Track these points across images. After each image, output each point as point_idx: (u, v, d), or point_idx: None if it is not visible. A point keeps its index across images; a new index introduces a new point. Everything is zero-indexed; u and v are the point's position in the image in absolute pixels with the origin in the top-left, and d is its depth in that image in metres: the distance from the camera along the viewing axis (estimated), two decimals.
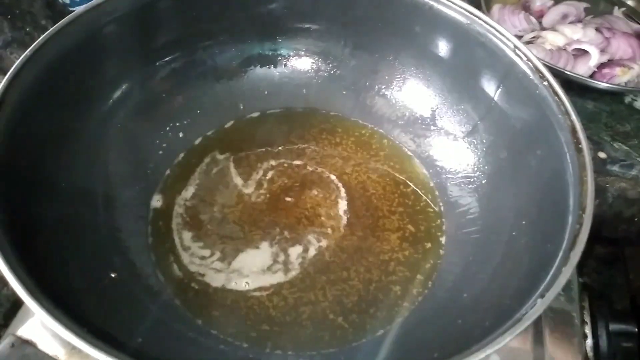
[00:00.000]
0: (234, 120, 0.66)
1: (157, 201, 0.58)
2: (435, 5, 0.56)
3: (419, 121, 0.65)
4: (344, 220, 0.58)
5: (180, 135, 0.63)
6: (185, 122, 0.63)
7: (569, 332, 0.49)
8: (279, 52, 0.67)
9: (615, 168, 0.67)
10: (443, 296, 0.52)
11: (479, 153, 0.60)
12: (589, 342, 0.49)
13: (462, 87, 0.61)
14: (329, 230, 0.57)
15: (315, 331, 0.50)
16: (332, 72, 0.67)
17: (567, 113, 0.48)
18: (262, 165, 0.62)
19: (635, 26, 0.87)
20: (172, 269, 0.53)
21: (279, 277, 0.54)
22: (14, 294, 0.37)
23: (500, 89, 0.56)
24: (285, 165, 0.62)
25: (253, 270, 0.54)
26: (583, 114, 0.72)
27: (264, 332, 0.50)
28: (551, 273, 0.40)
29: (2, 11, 0.60)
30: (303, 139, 0.65)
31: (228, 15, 0.61)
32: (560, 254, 0.41)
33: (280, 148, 0.64)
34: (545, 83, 0.50)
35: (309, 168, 0.62)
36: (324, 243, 0.56)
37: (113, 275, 0.49)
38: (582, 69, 0.77)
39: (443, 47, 0.59)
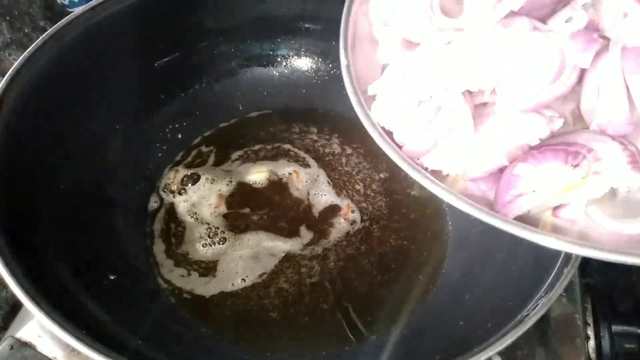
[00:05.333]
0: (232, 121, 0.66)
1: (154, 202, 0.58)
2: None
3: None
4: (344, 220, 0.58)
5: (179, 136, 0.63)
6: (184, 123, 0.63)
7: (571, 333, 0.49)
8: (278, 52, 0.67)
9: None
10: (445, 298, 0.52)
11: None
12: (592, 343, 0.49)
13: None
14: (329, 232, 0.57)
15: (316, 333, 0.50)
16: (332, 72, 0.67)
17: None
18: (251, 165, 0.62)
19: None
20: (163, 276, 0.53)
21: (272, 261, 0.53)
22: (13, 296, 0.37)
23: None
24: (283, 165, 0.62)
25: (239, 270, 0.53)
26: None
27: (263, 334, 0.50)
28: (553, 274, 0.40)
29: (0, 12, 0.60)
30: (302, 138, 0.65)
31: (227, 16, 0.61)
32: (563, 254, 0.41)
33: (276, 147, 0.63)
34: None
35: (308, 167, 0.62)
36: (324, 244, 0.56)
37: (112, 277, 0.49)
38: None
39: None
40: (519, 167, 0.33)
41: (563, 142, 0.33)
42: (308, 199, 0.59)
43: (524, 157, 0.34)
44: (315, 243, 0.56)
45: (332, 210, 0.58)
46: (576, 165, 0.31)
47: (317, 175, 0.61)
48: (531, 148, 0.34)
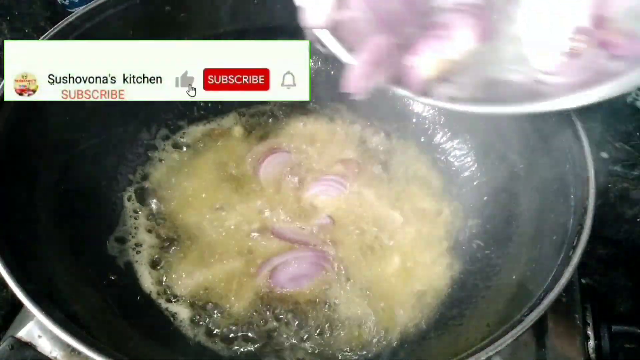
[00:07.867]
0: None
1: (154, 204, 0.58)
2: None
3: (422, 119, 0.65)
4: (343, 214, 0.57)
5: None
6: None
7: (571, 333, 0.49)
8: None
9: (617, 168, 0.66)
10: (445, 298, 0.52)
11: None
12: (591, 343, 0.49)
13: None
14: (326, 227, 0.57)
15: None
16: (332, 72, 0.67)
17: (568, 113, 0.48)
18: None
19: None
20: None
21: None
22: (13, 296, 0.36)
23: None
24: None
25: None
26: (584, 113, 0.71)
27: (265, 332, 0.50)
28: (552, 274, 0.40)
29: (1, 12, 0.60)
30: (301, 136, 0.65)
31: (227, 18, 0.61)
32: (562, 254, 0.41)
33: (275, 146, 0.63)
34: None
35: (310, 166, 0.62)
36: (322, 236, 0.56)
37: (113, 278, 0.49)
38: None
39: None
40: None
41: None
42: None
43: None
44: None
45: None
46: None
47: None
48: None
